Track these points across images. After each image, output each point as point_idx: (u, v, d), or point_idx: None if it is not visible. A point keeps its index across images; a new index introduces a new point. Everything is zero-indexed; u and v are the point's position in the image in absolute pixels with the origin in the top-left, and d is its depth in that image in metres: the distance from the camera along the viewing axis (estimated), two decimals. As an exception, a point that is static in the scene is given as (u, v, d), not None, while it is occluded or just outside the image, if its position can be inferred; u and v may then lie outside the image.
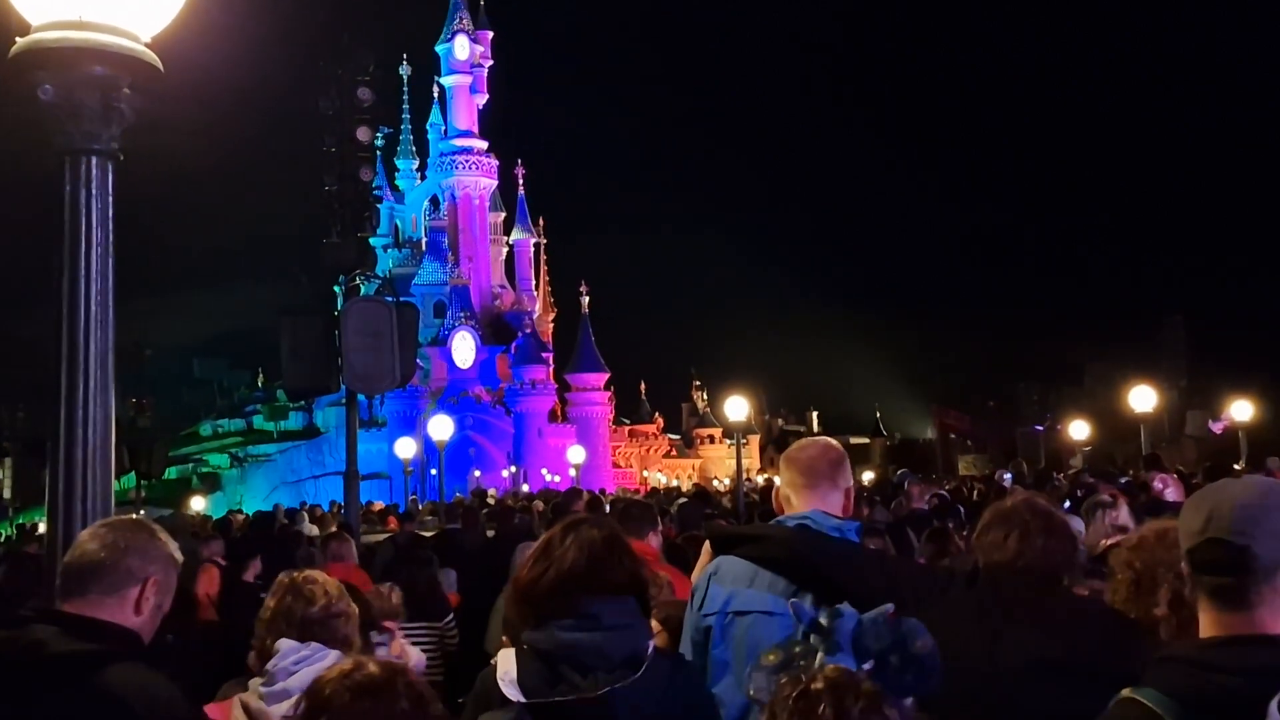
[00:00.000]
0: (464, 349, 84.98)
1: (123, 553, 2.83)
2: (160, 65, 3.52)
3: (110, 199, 3.48)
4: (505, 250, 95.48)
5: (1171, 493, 9.88)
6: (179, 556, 2.99)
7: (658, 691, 2.87)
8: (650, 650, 2.94)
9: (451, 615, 8.52)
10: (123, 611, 2.79)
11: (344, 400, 17.62)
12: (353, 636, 3.64)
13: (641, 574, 3.12)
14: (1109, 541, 5.69)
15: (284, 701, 3.22)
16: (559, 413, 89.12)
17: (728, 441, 74.67)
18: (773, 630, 3.18)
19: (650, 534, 6.13)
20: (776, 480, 3.81)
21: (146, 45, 3.51)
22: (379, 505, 33.40)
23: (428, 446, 41.36)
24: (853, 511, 3.69)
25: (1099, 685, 2.24)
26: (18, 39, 3.40)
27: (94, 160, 3.44)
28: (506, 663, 2.90)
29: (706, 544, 3.76)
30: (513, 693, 2.82)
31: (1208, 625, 2.05)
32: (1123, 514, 6.54)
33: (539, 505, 22.88)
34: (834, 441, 3.76)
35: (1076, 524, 8.47)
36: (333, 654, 3.36)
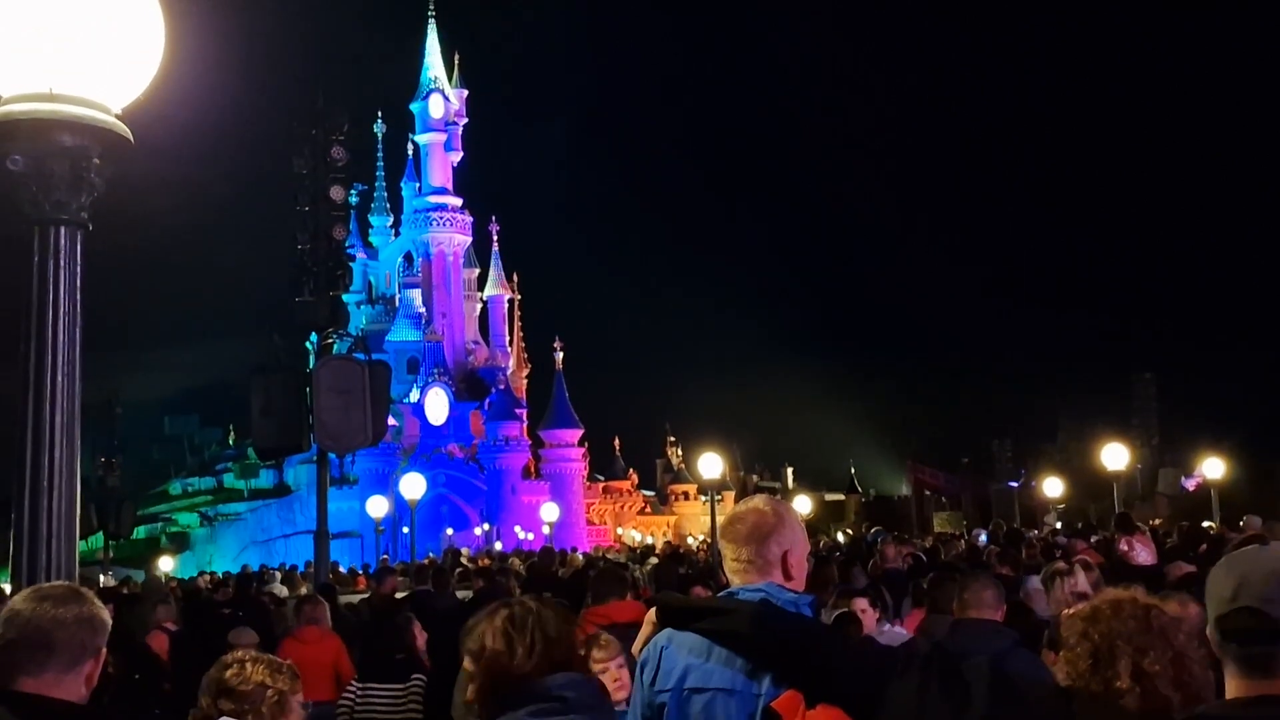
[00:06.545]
0: (437, 406, 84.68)
1: (78, 627, 2.77)
2: (130, 136, 3.53)
3: (79, 269, 3.47)
4: (479, 306, 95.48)
5: (1143, 554, 9.92)
6: (109, 622, 2.95)
7: None
8: None
9: (418, 677, 8.40)
10: (76, 687, 2.74)
11: (315, 458, 17.54)
12: (291, 708, 3.60)
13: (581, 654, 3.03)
14: (1070, 611, 5.75)
15: None
16: (533, 469, 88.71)
17: (703, 498, 74.47)
18: (731, 709, 3.04)
19: (614, 601, 6.12)
20: None
21: (117, 116, 3.52)
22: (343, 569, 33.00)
23: (399, 504, 41.05)
24: (804, 572, 3.46)
25: None
26: (-13, 111, 3.40)
27: (63, 230, 3.43)
28: None
29: (650, 612, 3.48)
30: None
31: (1234, 689, 2.08)
32: (1080, 581, 6.60)
33: (516, 564, 22.74)
34: (766, 505, 3.41)
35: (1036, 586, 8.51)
36: None
